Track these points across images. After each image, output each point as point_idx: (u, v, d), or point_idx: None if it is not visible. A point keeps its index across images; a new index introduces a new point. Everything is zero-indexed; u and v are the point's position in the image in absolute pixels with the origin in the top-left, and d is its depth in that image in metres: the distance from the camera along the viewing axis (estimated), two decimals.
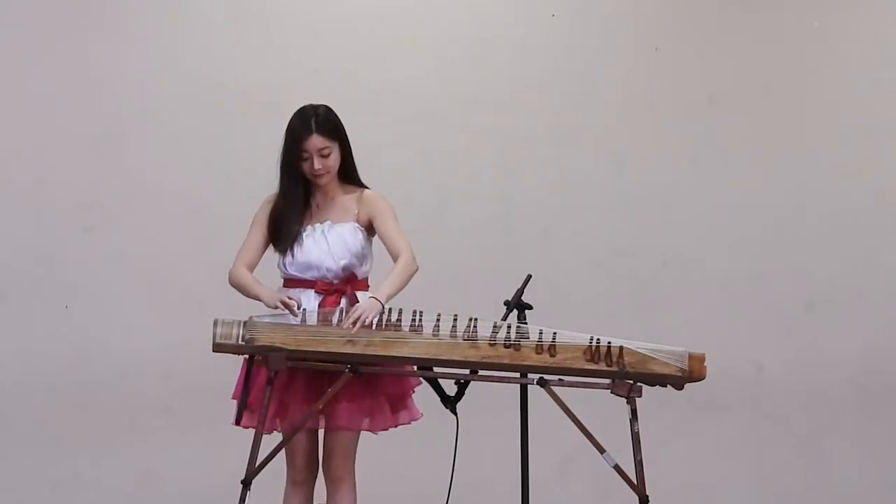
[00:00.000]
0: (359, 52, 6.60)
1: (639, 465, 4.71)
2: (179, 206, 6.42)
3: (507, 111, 6.74)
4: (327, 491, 4.87)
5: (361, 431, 4.82)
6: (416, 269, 4.75)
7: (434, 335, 4.64)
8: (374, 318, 4.62)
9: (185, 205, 6.42)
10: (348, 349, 4.61)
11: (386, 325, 4.65)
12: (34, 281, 6.33)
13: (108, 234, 6.40)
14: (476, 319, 4.66)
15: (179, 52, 6.48)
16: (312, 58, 6.56)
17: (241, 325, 4.60)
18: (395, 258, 4.77)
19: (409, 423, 4.89)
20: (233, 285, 4.86)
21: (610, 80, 6.85)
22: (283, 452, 4.80)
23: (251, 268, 4.88)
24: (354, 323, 4.60)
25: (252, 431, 4.71)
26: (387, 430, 4.86)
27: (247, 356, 4.75)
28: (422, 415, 4.90)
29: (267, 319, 4.66)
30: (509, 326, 4.70)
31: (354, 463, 4.86)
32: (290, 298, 4.71)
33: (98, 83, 6.40)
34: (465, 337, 4.64)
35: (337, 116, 4.88)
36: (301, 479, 4.89)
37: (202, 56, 6.49)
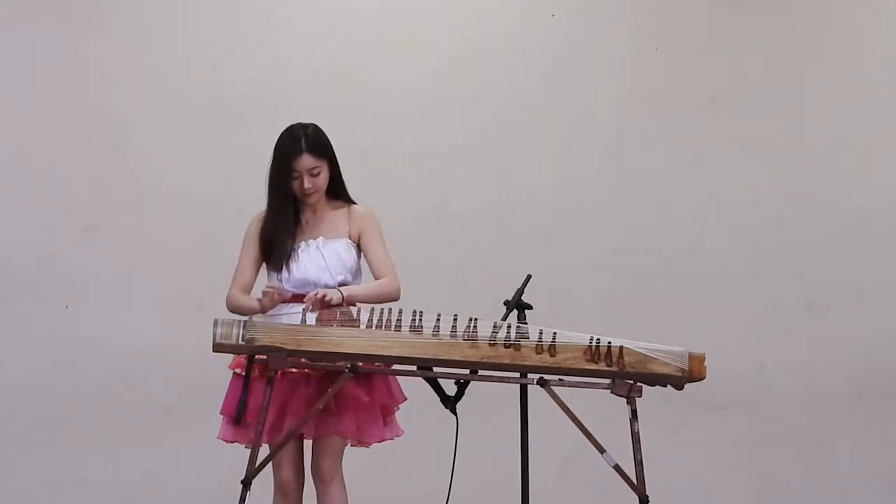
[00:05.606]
0: (359, 52, 6.61)
1: (639, 465, 4.71)
2: (179, 206, 6.43)
3: (506, 111, 6.74)
4: (317, 491, 4.87)
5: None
6: (396, 296, 4.80)
7: (434, 335, 4.63)
8: (333, 301, 4.64)
9: (185, 205, 6.43)
10: (347, 349, 4.60)
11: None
12: (34, 281, 6.34)
13: (108, 233, 6.40)
14: (476, 319, 4.64)
15: (179, 52, 6.49)
16: (312, 58, 6.57)
17: (241, 325, 4.59)
18: (378, 279, 4.82)
19: (393, 438, 4.91)
20: (231, 310, 4.86)
21: (610, 80, 6.84)
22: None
23: (247, 290, 4.90)
24: (313, 299, 4.63)
25: (252, 432, 4.70)
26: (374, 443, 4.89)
27: (237, 370, 4.77)
28: (403, 431, 4.92)
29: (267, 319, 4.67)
30: (509, 326, 4.68)
31: (342, 462, 4.87)
32: (269, 288, 4.74)
33: (98, 83, 6.41)
34: (465, 337, 4.63)
35: (325, 135, 4.88)
36: (291, 489, 4.89)
37: (202, 56, 6.49)
